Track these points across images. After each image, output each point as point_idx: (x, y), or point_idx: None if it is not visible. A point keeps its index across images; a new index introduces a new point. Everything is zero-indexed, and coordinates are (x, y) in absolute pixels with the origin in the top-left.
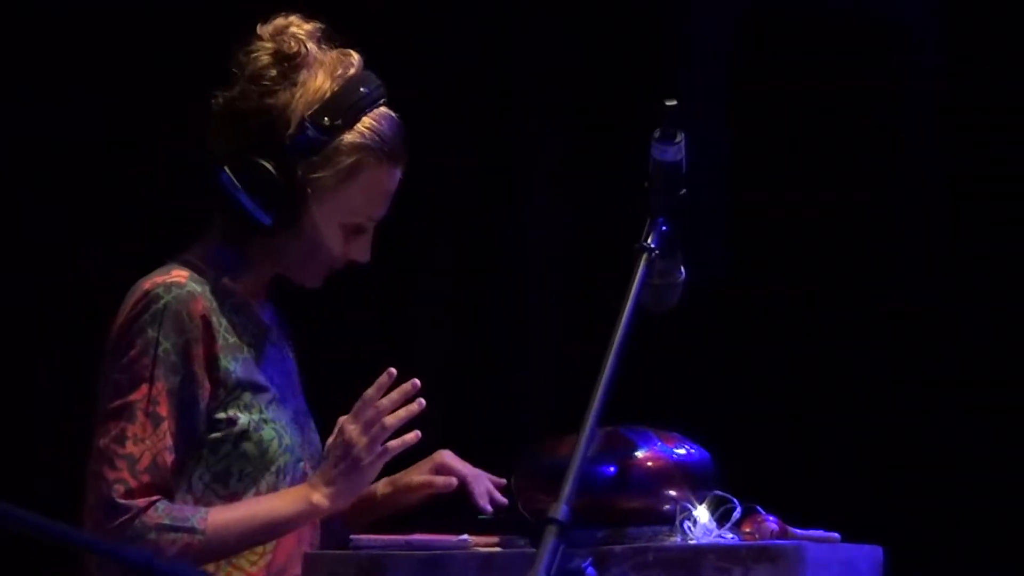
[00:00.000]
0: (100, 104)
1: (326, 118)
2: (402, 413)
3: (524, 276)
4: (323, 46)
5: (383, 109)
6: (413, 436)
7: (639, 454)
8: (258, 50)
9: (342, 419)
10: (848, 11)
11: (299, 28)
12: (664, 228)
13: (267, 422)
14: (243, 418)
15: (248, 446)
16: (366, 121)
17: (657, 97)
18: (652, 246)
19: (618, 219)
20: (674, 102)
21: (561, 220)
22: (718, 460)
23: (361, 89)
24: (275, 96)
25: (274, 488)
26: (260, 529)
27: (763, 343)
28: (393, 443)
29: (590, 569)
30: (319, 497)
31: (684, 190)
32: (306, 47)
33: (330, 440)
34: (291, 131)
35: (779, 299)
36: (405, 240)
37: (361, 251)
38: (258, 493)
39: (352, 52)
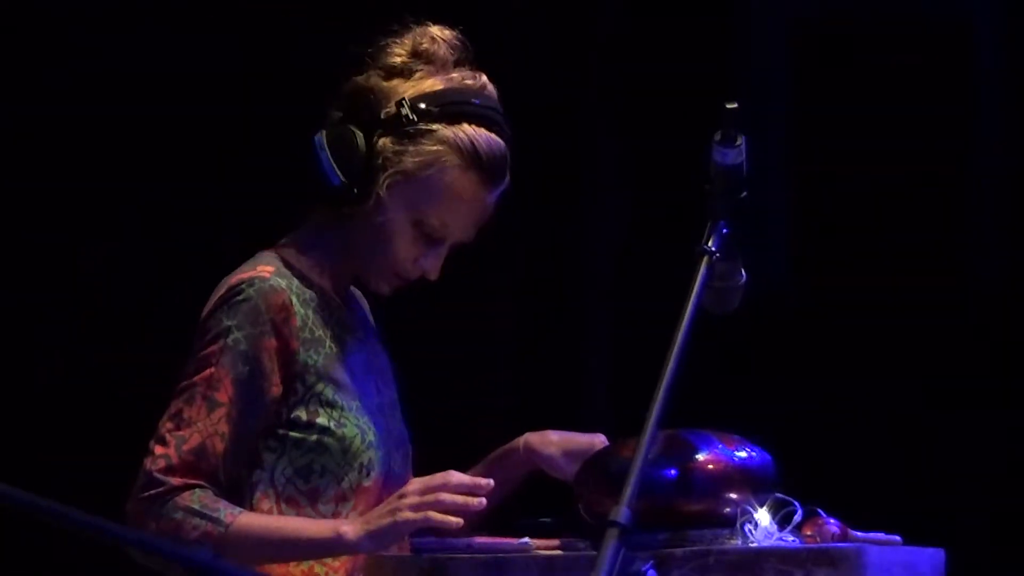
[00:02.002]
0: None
1: (423, 103)
2: (459, 499)
3: (584, 278)
4: (461, 62)
5: (491, 131)
6: (477, 503)
7: (700, 457)
8: (396, 44)
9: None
10: (908, 11)
11: (443, 33)
12: (725, 231)
13: (349, 418)
14: (323, 415)
15: (330, 442)
16: (466, 126)
17: (718, 100)
18: (713, 249)
19: (677, 221)
20: (735, 105)
21: (622, 222)
22: (779, 462)
23: (473, 99)
24: (390, 79)
25: (357, 484)
26: (282, 543)
27: (824, 345)
28: (437, 516)
29: (651, 572)
30: (347, 528)
31: (744, 193)
32: (441, 49)
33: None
34: (388, 109)
35: (838, 300)
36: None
37: (431, 263)
38: (340, 489)
39: (482, 75)
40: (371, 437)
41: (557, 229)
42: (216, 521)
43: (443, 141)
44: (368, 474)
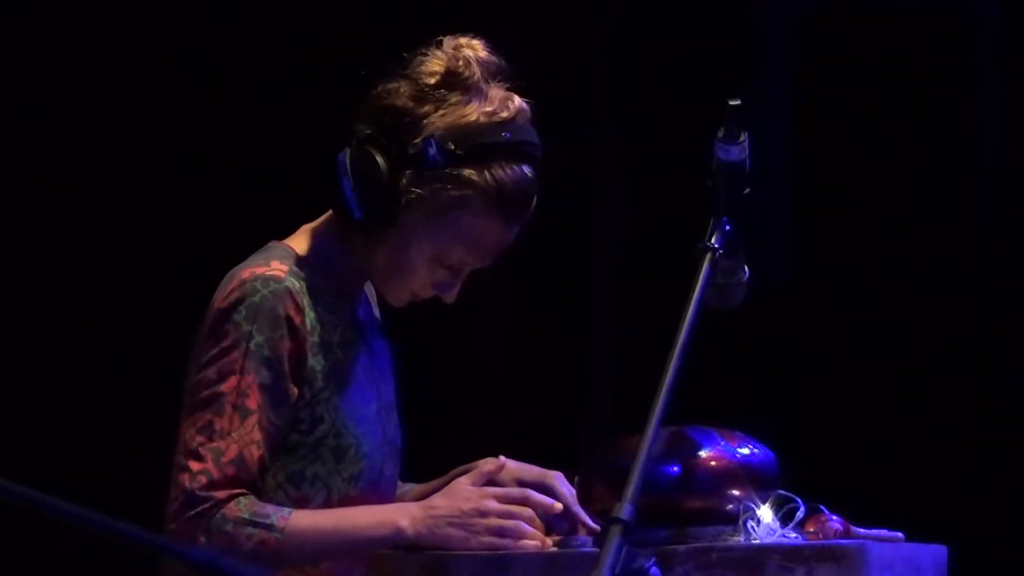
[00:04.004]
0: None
1: (452, 144)
2: (534, 531)
3: (587, 275)
4: (494, 81)
5: (521, 165)
6: (549, 543)
7: (703, 454)
8: (430, 58)
9: (486, 468)
10: (912, 11)
11: (476, 52)
12: (728, 228)
13: (348, 427)
14: (325, 422)
15: (324, 452)
16: (494, 166)
17: (721, 97)
18: (716, 245)
19: (681, 218)
20: (738, 102)
21: (623, 218)
22: (781, 459)
23: (503, 134)
24: (421, 104)
25: (344, 494)
26: (340, 542)
27: (827, 341)
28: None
29: (654, 569)
30: (407, 523)
31: (747, 190)
32: (475, 73)
33: (458, 480)
34: (416, 141)
35: (841, 296)
36: None
37: (447, 290)
38: (328, 498)
39: (518, 98)
40: (366, 448)
41: (561, 226)
42: (270, 528)
43: (469, 184)
44: (356, 484)
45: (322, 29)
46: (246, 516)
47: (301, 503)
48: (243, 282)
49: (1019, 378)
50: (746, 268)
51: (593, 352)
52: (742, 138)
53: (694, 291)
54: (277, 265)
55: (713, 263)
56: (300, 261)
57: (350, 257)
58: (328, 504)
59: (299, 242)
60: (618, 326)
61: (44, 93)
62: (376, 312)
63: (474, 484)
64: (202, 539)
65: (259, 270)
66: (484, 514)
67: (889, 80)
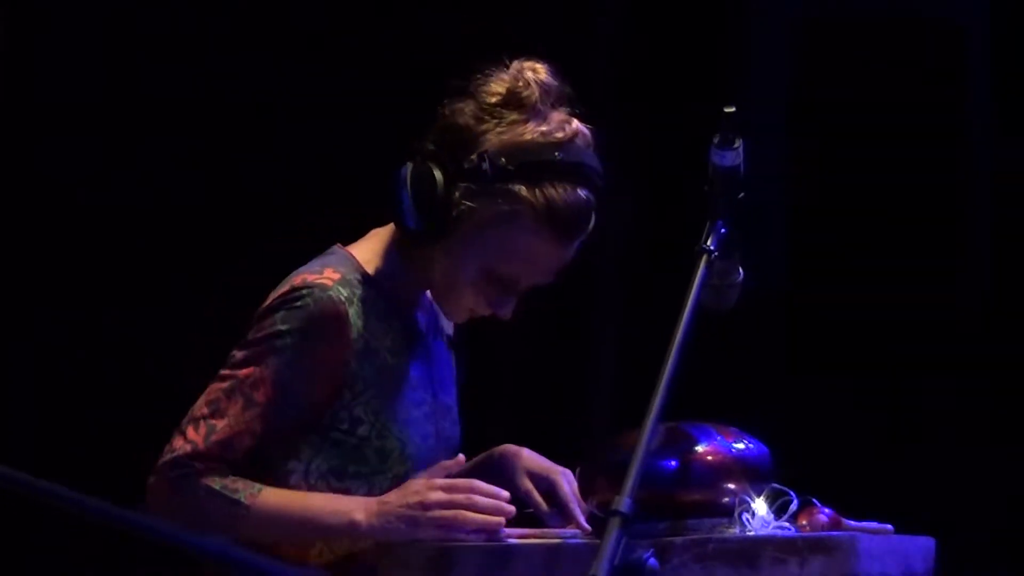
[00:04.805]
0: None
1: (504, 159)
2: (479, 519)
3: (588, 276)
4: (557, 105)
5: (575, 186)
6: (496, 523)
7: (699, 449)
8: (494, 78)
9: (443, 464)
10: (903, 15)
11: (538, 75)
12: (723, 230)
13: (391, 430)
14: (366, 423)
15: (369, 452)
16: (545, 184)
17: (717, 103)
18: (712, 248)
19: (678, 221)
20: (733, 109)
21: (624, 219)
22: (775, 454)
23: (556, 153)
24: (481, 123)
25: (388, 492)
26: (300, 526)
27: (819, 340)
28: (461, 533)
29: (652, 560)
30: (362, 516)
31: (742, 194)
32: (535, 94)
33: (413, 479)
34: (472, 156)
35: (834, 296)
36: None
37: (502, 307)
38: (370, 493)
39: (576, 122)
40: (411, 450)
41: None
42: (236, 503)
43: (519, 200)
44: (401, 484)
45: (322, 29)
46: (217, 488)
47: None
48: (294, 287)
49: (1011, 375)
50: (740, 270)
51: (595, 351)
52: (737, 144)
53: (691, 292)
54: (330, 273)
55: (709, 265)
56: (357, 269)
57: (409, 268)
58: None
59: (362, 249)
60: (619, 326)
61: (44, 93)
62: (443, 322)
63: (429, 479)
64: (175, 498)
65: (311, 277)
66: (427, 507)
67: (882, 82)
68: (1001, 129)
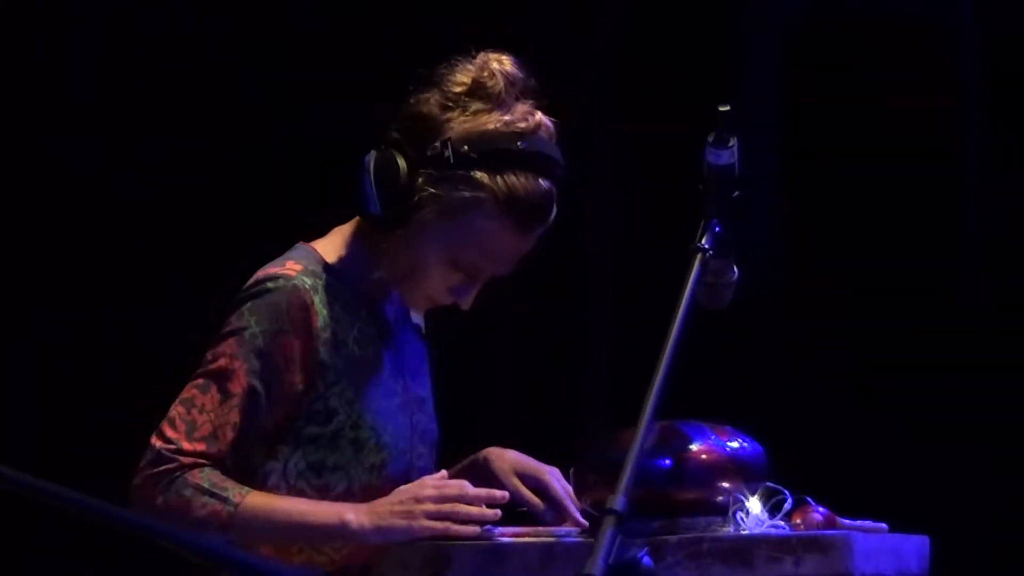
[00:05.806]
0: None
1: (466, 147)
2: (475, 512)
3: (582, 274)
4: (521, 97)
5: (536, 176)
6: (493, 515)
7: (694, 447)
8: (460, 68)
9: (428, 477)
10: (896, 17)
11: (503, 66)
12: (718, 229)
13: (364, 419)
14: (341, 413)
15: (343, 443)
16: (507, 172)
17: (711, 102)
18: (706, 246)
19: (673, 219)
20: (727, 107)
21: (620, 217)
22: (770, 453)
23: (519, 143)
24: (446, 111)
25: (367, 483)
26: (288, 528)
27: (813, 339)
28: (455, 528)
29: (646, 558)
30: (353, 517)
31: (737, 192)
32: (499, 85)
33: (406, 486)
34: (435, 144)
35: (828, 295)
36: None
37: (462, 295)
38: (350, 486)
39: (540, 114)
40: (386, 438)
41: (557, 224)
42: (225, 500)
43: (481, 186)
44: (379, 474)
45: (322, 29)
46: (205, 485)
47: (322, 492)
48: (257, 280)
49: (1008, 374)
50: (735, 269)
51: (589, 350)
52: (732, 143)
53: (685, 290)
54: (292, 265)
55: (704, 263)
56: (320, 261)
57: (372, 259)
58: (349, 493)
59: (325, 243)
60: (613, 325)
61: (44, 93)
62: (412, 312)
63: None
64: (160, 498)
65: (273, 269)
66: (419, 500)
67: (876, 83)
68: (995, 127)
